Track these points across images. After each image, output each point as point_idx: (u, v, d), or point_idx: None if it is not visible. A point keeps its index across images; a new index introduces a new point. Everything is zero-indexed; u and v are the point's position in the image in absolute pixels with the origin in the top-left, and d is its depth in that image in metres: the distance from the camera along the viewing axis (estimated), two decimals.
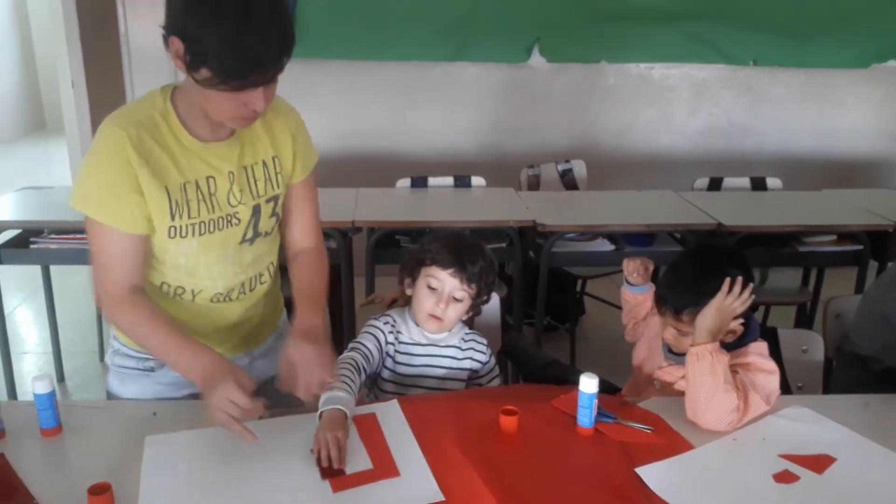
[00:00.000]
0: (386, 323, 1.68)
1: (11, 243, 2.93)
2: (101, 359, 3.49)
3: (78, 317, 3.83)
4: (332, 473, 1.28)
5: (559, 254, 3.04)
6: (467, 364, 1.72)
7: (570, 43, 4.26)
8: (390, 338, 1.67)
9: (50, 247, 2.90)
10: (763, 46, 4.33)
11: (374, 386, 1.71)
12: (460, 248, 1.64)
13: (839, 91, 4.55)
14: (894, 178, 4.71)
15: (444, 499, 1.23)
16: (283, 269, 1.64)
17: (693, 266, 1.63)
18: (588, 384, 1.42)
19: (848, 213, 3.21)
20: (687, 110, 4.53)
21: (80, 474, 1.27)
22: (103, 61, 4.71)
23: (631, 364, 1.85)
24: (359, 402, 1.45)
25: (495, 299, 1.92)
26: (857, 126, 4.62)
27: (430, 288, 1.63)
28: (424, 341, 1.69)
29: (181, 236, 1.42)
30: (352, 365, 1.52)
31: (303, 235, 1.61)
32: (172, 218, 1.39)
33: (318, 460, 1.30)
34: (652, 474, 1.32)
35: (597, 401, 1.44)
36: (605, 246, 3.10)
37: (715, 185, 3.64)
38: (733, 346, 1.58)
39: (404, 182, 3.48)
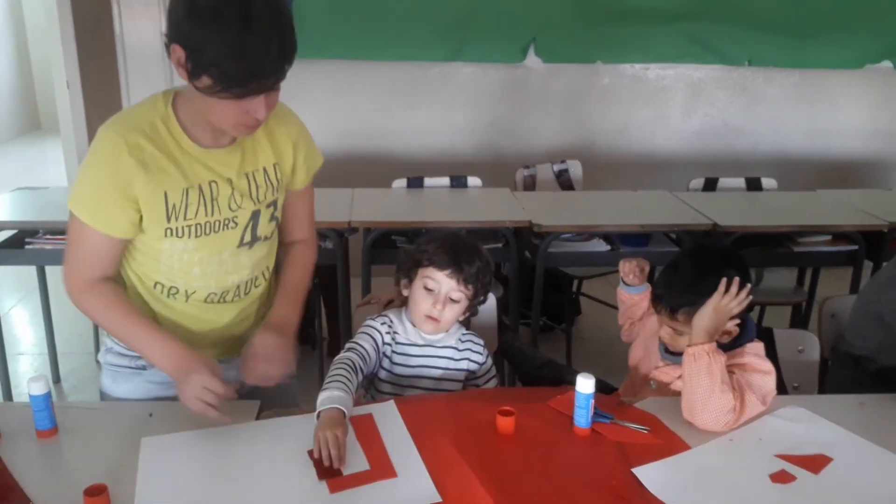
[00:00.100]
0: (383, 323, 1.68)
1: (7, 244, 2.93)
2: (97, 360, 3.48)
3: (73, 318, 3.75)
4: (329, 474, 1.28)
5: (555, 254, 3.04)
6: (464, 365, 1.71)
7: (566, 43, 4.26)
8: (387, 338, 1.67)
9: (45, 247, 2.89)
10: (758, 47, 4.35)
11: (371, 386, 1.71)
12: (457, 248, 1.64)
13: (834, 92, 4.56)
14: (888, 179, 4.72)
15: (440, 499, 1.23)
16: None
17: (690, 266, 1.63)
18: (584, 384, 1.42)
19: (843, 213, 3.22)
20: (682, 111, 4.54)
21: (77, 476, 1.27)
22: (98, 61, 4.70)
23: (627, 364, 1.85)
24: (356, 403, 1.45)
25: (492, 300, 1.91)
26: (851, 126, 4.63)
27: (427, 289, 1.63)
28: (421, 342, 1.69)
29: (177, 236, 1.42)
30: (349, 365, 1.52)
31: (294, 228, 1.65)
32: (168, 220, 1.40)
33: (317, 460, 1.30)
34: (648, 474, 1.32)
35: (593, 401, 1.44)
36: (601, 246, 3.10)
37: (710, 185, 3.65)
38: (730, 346, 1.58)
39: (400, 182, 3.47)
